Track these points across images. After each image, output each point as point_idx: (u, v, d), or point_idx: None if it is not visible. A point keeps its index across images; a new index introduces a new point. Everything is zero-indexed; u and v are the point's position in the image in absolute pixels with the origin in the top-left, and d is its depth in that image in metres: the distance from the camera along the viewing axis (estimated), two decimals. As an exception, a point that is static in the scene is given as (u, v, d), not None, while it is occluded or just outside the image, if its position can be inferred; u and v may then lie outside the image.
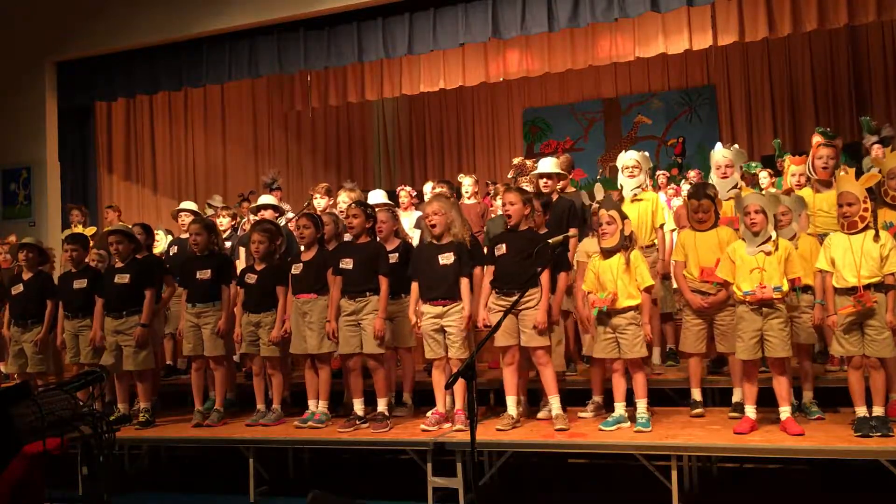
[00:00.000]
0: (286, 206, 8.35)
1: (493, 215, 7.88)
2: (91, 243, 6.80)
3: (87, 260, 6.53)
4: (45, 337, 6.44)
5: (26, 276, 6.57)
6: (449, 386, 4.63)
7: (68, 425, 3.16)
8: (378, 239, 5.76)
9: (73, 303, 6.31)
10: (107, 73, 9.75)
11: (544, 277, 5.07)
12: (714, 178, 5.84)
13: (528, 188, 6.14)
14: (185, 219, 7.43)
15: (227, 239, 7.36)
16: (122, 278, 6.10)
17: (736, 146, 6.22)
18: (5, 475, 3.15)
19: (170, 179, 11.98)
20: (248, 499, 5.44)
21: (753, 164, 8.90)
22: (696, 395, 5.27)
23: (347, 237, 6.01)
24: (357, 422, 5.45)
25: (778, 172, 8.71)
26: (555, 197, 6.10)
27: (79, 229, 8.52)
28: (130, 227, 6.59)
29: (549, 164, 6.21)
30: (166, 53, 9.46)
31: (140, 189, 11.50)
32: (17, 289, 6.54)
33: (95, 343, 6.12)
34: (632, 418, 4.96)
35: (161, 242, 8.11)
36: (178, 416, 6.42)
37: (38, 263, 6.63)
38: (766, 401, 4.83)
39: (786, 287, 4.66)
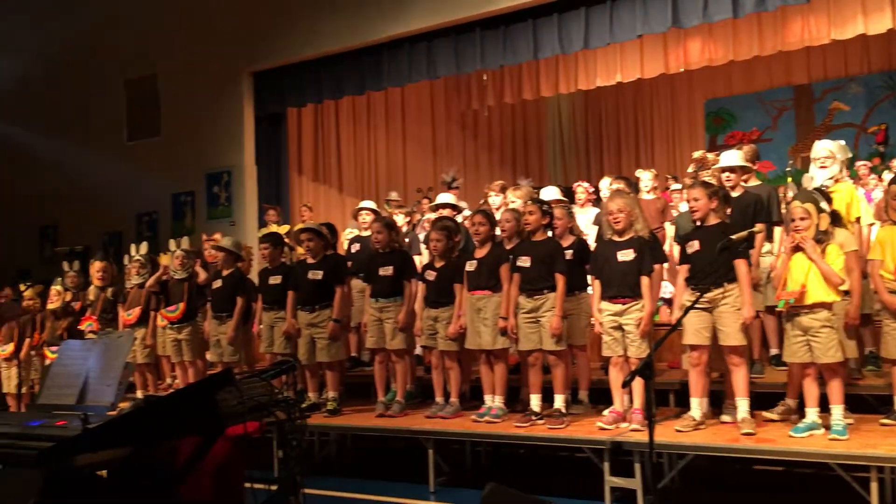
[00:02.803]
0: (463, 204, 8.50)
1: (673, 211, 7.65)
2: (286, 240, 7.26)
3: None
4: (236, 330, 6.93)
5: (225, 272, 7.12)
6: (626, 384, 4.57)
7: (266, 410, 3.38)
8: (554, 236, 5.75)
9: (268, 296, 6.77)
10: (297, 81, 10.36)
11: (743, 273, 4.88)
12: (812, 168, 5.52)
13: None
14: (366, 217, 7.75)
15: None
16: (316, 274, 6.46)
17: (841, 142, 5.81)
18: (211, 455, 3.41)
19: (354, 179, 12.54)
20: (427, 488, 5.60)
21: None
22: (900, 403, 4.86)
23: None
24: (533, 417, 5.48)
25: None
26: (740, 191, 5.83)
27: (273, 228, 9.12)
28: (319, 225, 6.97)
29: (732, 157, 5.93)
30: (350, 60, 9.89)
31: (327, 189, 12.11)
32: (217, 283, 7.11)
33: (291, 334, 6.52)
34: (826, 425, 4.65)
35: (346, 241, 8.51)
36: (362, 405, 6.72)
37: (235, 261, 7.17)
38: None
39: None
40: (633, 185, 7.63)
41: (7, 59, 13.25)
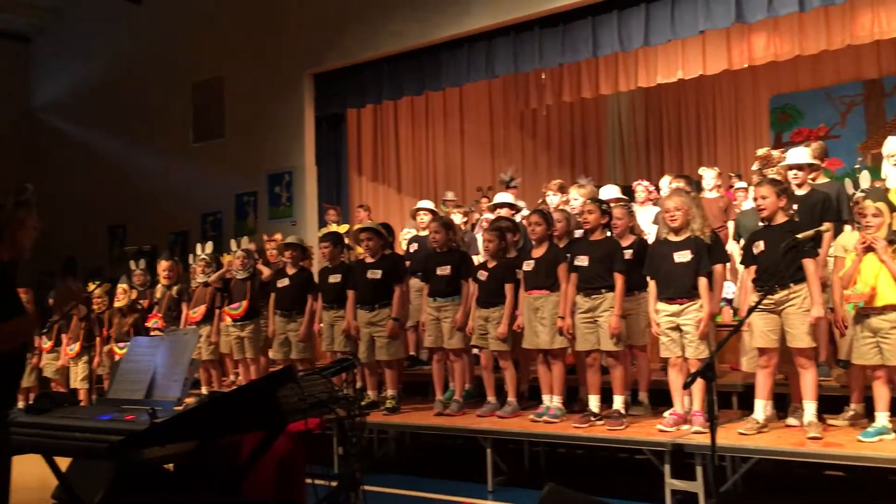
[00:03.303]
0: (521, 204, 8.47)
1: (737, 210, 7.50)
2: (346, 240, 7.34)
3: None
4: (307, 329, 7.05)
5: (290, 271, 7.23)
6: (686, 386, 4.49)
7: (326, 407, 3.43)
8: (612, 235, 5.70)
9: (328, 295, 6.86)
10: (356, 83, 10.46)
11: (811, 272, 4.77)
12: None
13: (776, 181, 5.77)
14: (423, 217, 7.80)
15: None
16: (375, 273, 6.52)
17: None
18: (273, 450, 3.47)
19: (412, 179, 12.59)
20: (486, 488, 5.60)
21: None
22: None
23: (578, 233, 6.00)
24: (592, 418, 5.44)
25: None
26: (807, 188, 5.69)
27: (332, 227, 9.24)
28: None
29: (800, 155, 5.79)
30: (409, 60, 9.95)
31: (386, 189, 12.20)
32: (283, 282, 7.23)
33: (350, 333, 6.60)
34: (896, 430, 4.51)
35: (404, 241, 8.57)
36: (420, 404, 6.76)
37: (300, 260, 7.28)
38: None
39: None
40: (695, 184, 7.51)
41: (80, 63, 13.72)
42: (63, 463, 3.94)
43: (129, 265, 8.89)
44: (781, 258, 4.75)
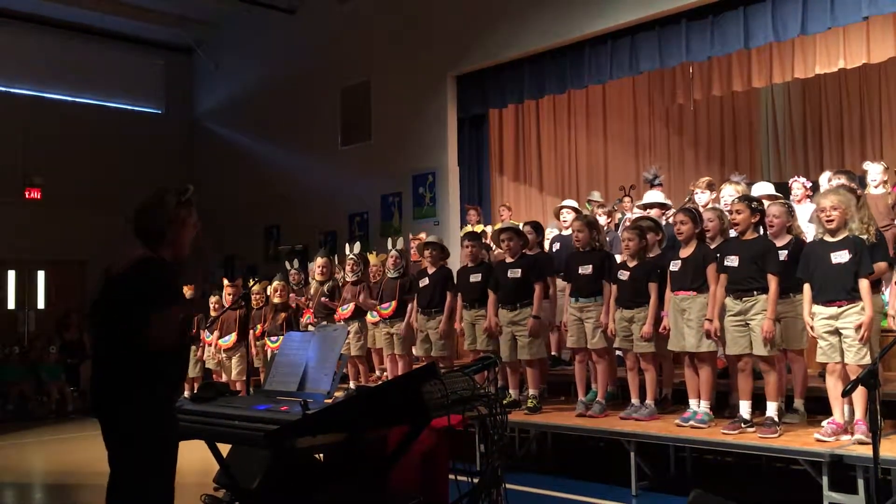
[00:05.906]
0: (668, 202, 8.23)
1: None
2: (486, 240, 7.40)
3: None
4: (447, 326, 7.16)
5: (431, 270, 7.37)
6: (846, 394, 4.24)
7: (468, 404, 3.49)
8: (768, 234, 5.46)
9: (469, 294, 6.94)
10: (498, 83, 10.52)
11: None
12: None
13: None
14: (566, 216, 7.73)
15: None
16: (515, 273, 6.55)
17: None
18: (417, 444, 3.56)
19: (554, 178, 12.52)
20: (629, 491, 5.50)
21: None
22: None
23: (733, 233, 5.78)
24: (742, 425, 5.23)
25: None
26: None
27: (468, 228, 9.35)
28: (520, 225, 7.04)
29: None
30: (551, 59, 9.91)
31: (527, 189, 12.19)
32: (424, 282, 7.38)
33: (491, 332, 6.65)
34: None
35: (547, 241, 8.54)
36: (562, 404, 6.72)
37: (440, 259, 7.41)
38: None
39: None
40: (857, 179, 7.06)
41: (238, 72, 14.56)
42: (224, 449, 4.19)
43: (285, 265, 9.32)
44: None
